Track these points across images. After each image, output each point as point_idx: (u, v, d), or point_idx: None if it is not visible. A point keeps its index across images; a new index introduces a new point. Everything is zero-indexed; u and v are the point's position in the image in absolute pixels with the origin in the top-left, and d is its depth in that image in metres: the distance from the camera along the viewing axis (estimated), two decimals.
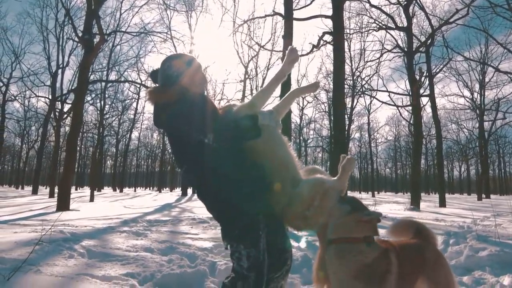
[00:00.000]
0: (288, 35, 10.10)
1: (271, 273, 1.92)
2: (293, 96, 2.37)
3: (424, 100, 21.38)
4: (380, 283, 1.79)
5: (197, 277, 3.14)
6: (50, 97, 27.17)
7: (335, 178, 2.00)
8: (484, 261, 4.05)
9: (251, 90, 29.88)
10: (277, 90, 2.24)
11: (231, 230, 1.89)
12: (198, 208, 12.37)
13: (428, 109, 25.44)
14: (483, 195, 29.92)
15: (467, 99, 32.33)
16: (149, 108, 49.18)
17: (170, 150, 40.98)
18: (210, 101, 2.05)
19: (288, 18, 10.24)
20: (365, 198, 24.46)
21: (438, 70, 21.68)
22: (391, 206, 16.26)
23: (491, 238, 5.40)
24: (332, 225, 1.89)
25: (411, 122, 24.07)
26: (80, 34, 13.37)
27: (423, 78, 18.70)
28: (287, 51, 2.12)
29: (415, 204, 14.95)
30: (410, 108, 19.41)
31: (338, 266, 1.82)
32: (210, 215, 2.07)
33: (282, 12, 10.34)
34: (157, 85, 2.16)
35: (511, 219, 8.83)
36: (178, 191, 44.62)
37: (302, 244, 4.96)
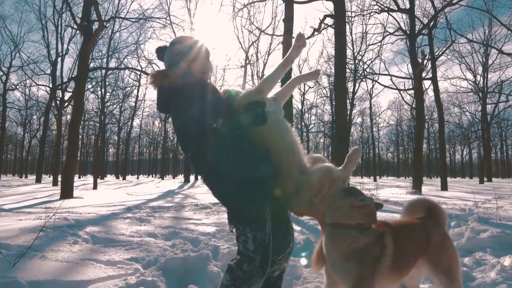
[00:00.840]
0: (288, 19, 9.96)
1: (274, 255, 1.95)
2: (294, 84, 2.37)
3: (427, 83, 21.28)
4: (372, 264, 1.83)
5: (200, 261, 3.17)
6: (50, 86, 27.09)
7: (341, 167, 2.01)
8: (485, 242, 4.08)
9: (252, 75, 29.70)
10: None
11: (239, 214, 1.89)
12: (201, 194, 12.46)
13: (431, 92, 25.28)
14: (485, 178, 29.97)
15: (470, 82, 32.08)
16: (150, 95, 49.00)
17: (173, 137, 41.10)
18: (214, 86, 2.04)
19: (289, 1, 10.08)
20: (366, 182, 24.54)
21: (440, 52, 21.43)
22: (392, 190, 16.33)
23: (492, 220, 5.43)
24: (328, 210, 1.94)
25: (413, 106, 23.94)
26: (78, 21, 13.22)
27: (425, 61, 18.48)
28: (294, 37, 2.11)
29: (417, 188, 15.01)
30: (412, 91, 19.25)
31: (331, 249, 1.91)
32: (213, 201, 2.08)
33: None
34: (162, 62, 2.14)
35: None
36: (180, 178, 44.89)
37: (304, 228, 4.99)
